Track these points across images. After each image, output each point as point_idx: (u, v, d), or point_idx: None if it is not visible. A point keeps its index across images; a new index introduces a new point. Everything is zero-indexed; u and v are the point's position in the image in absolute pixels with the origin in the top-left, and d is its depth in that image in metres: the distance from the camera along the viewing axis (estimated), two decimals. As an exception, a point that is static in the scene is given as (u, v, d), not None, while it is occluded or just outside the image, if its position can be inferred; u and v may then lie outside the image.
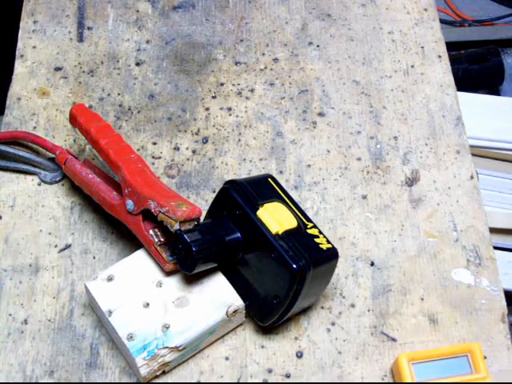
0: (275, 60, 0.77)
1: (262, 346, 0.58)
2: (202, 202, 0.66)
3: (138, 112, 0.72)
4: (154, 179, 0.59)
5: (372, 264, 0.63)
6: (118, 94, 0.74)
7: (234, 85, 0.75)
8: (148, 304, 0.56)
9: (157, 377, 0.56)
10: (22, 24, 0.78)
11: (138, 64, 0.76)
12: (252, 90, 0.74)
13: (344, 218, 0.66)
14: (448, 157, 0.70)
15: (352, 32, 0.79)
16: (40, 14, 0.79)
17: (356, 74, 0.76)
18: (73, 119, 0.65)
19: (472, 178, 0.69)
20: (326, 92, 0.74)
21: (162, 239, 0.57)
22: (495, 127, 1.29)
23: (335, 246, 0.60)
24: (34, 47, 0.77)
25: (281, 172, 0.68)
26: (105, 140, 0.62)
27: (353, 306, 0.60)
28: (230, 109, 0.73)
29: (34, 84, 0.74)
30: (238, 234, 0.56)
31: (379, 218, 0.66)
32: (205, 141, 0.70)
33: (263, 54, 0.77)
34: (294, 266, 0.53)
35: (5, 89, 0.74)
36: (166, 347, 0.53)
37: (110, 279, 0.57)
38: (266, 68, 0.76)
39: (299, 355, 0.58)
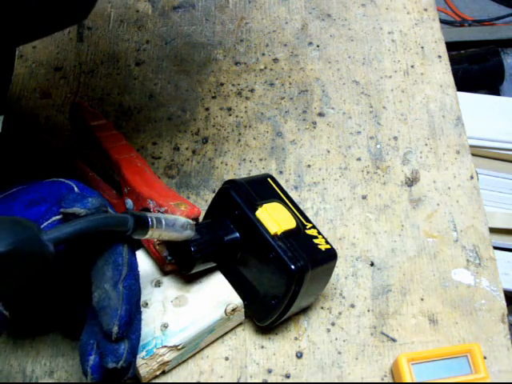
0: (275, 60, 0.77)
1: (262, 347, 0.58)
2: (202, 202, 0.66)
3: (138, 112, 0.73)
4: (153, 178, 0.59)
5: (372, 264, 0.63)
6: (118, 94, 0.74)
7: (233, 85, 0.75)
8: (147, 303, 0.56)
9: (157, 377, 0.56)
10: (22, 24, 0.78)
11: (137, 64, 0.76)
12: (252, 90, 0.74)
13: (344, 219, 0.65)
14: (448, 157, 0.70)
15: (352, 32, 0.79)
16: (40, 14, 0.79)
17: (356, 74, 0.76)
18: (72, 116, 0.65)
19: (472, 178, 0.69)
20: (326, 92, 0.74)
21: (161, 239, 0.57)
22: (495, 127, 1.30)
23: (335, 246, 0.60)
24: (34, 47, 0.77)
25: (281, 172, 0.68)
26: (105, 138, 0.62)
27: (352, 306, 0.60)
28: (229, 109, 0.73)
29: (34, 84, 0.74)
30: (237, 234, 0.56)
31: (379, 218, 0.66)
32: (205, 141, 0.70)
33: (263, 54, 0.77)
34: (292, 267, 0.52)
35: (5, 89, 0.74)
36: (165, 346, 0.53)
37: (109, 279, 0.57)
38: (265, 68, 0.76)
39: (299, 355, 0.58)
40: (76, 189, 0.52)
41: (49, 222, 0.49)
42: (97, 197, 0.48)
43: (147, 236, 0.48)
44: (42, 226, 0.49)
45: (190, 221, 0.53)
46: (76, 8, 0.49)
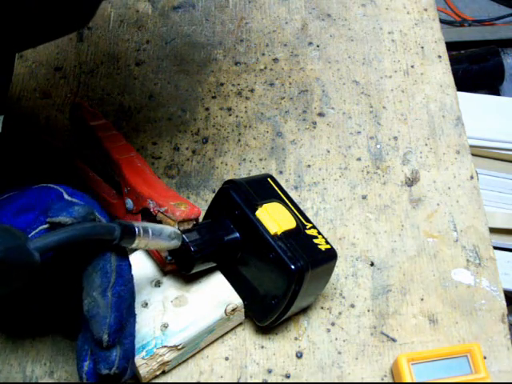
0: (275, 60, 0.77)
1: (262, 347, 0.58)
2: (202, 202, 0.66)
3: (138, 112, 0.73)
4: (153, 178, 0.59)
5: (372, 264, 0.63)
6: (118, 94, 0.74)
7: (233, 85, 0.75)
8: (147, 304, 0.56)
9: (157, 377, 0.56)
10: (21, 24, 0.78)
11: (137, 64, 0.76)
12: (252, 90, 0.74)
13: (344, 219, 0.65)
14: (448, 157, 0.70)
15: (352, 32, 0.79)
16: (40, 14, 0.79)
17: (356, 74, 0.76)
18: (72, 116, 0.65)
19: (472, 178, 0.69)
20: (326, 92, 0.74)
21: (162, 239, 0.57)
22: (495, 127, 1.30)
23: (335, 246, 0.60)
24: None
25: (281, 172, 0.68)
26: (105, 138, 0.62)
27: (352, 306, 0.60)
28: (229, 109, 0.73)
29: (34, 84, 0.74)
30: (237, 234, 0.56)
31: (379, 218, 0.66)
32: (205, 141, 0.70)
33: (263, 54, 0.77)
34: (292, 267, 0.52)
35: (5, 89, 0.74)
36: (165, 346, 0.53)
37: (109, 279, 0.57)
38: (265, 68, 0.76)
39: (299, 355, 0.58)
40: (65, 194, 0.52)
41: (36, 231, 0.49)
42: (83, 205, 0.47)
43: (134, 245, 0.48)
44: (30, 236, 0.48)
45: (177, 230, 0.53)
46: (77, 15, 0.49)
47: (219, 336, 0.58)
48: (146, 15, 0.80)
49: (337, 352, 0.58)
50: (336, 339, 0.59)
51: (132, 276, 0.50)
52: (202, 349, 0.57)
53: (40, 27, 0.47)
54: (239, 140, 0.71)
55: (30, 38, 0.48)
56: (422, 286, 0.62)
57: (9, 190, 0.54)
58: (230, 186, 0.57)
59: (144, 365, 0.53)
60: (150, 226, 0.50)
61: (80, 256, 0.48)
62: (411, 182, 0.68)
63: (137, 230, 0.48)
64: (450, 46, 0.84)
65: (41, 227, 0.49)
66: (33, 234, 0.49)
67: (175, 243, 0.52)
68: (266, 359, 0.57)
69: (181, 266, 0.56)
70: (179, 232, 0.53)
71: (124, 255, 0.49)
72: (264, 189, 0.59)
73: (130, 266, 0.50)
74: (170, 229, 0.52)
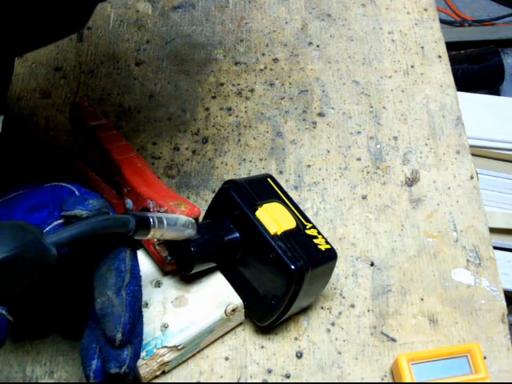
0: (275, 60, 0.77)
1: (262, 347, 0.58)
2: (202, 202, 0.66)
3: (138, 112, 0.73)
4: (153, 178, 0.59)
5: (372, 264, 0.63)
6: (118, 94, 0.74)
7: (233, 85, 0.75)
8: (147, 304, 0.56)
9: (157, 377, 0.56)
10: (21, 24, 0.78)
11: (137, 64, 0.76)
12: (252, 90, 0.74)
13: (344, 219, 0.65)
14: (448, 157, 0.70)
15: (352, 32, 0.79)
16: (40, 14, 0.79)
17: (356, 74, 0.76)
18: (72, 116, 0.65)
19: (472, 178, 0.69)
20: (326, 92, 0.74)
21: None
22: (495, 127, 1.30)
23: (335, 246, 0.60)
24: (34, 47, 0.77)
25: (281, 172, 0.68)
26: (105, 138, 0.62)
27: (352, 306, 0.60)
28: (229, 109, 0.73)
29: (34, 84, 0.74)
30: (237, 235, 0.56)
31: (379, 218, 0.66)
32: (205, 141, 0.70)
33: (263, 54, 0.77)
34: (292, 267, 0.52)
35: (5, 89, 0.74)
36: (165, 347, 0.53)
37: (109, 279, 0.57)
38: (265, 68, 0.76)
39: (299, 355, 0.58)
40: (77, 193, 0.52)
41: (50, 226, 0.49)
42: (98, 198, 0.47)
43: (149, 236, 0.48)
44: (44, 231, 0.48)
45: (192, 219, 0.52)
46: (73, 19, 0.49)
47: (219, 336, 0.58)
48: (145, 15, 0.80)
49: (337, 352, 0.58)
50: (336, 339, 0.59)
51: (141, 276, 0.49)
52: (202, 349, 0.57)
53: (38, 30, 0.47)
54: (239, 140, 0.71)
55: (28, 41, 0.48)
56: (422, 286, 0.62)
57: (16, 188, 0.54)
58: (230, 185, 0.57)
59: (144, 365, 0.53)
60: (165, 215, 0.50)
61: (93, 250, 0.47)
62: (411, 182, 0.68)
63: (151, 220, 0.48)
64: (450, 46, 0.84)
65: (55, 222, 0.49)
66: (47, 229, 0.49)
67: (190, 232, 0.52)
68: (265, 359, 0.57)
69: (181, 266, 0.56)
70: (194, 221, 0.53)
71: (135, 255, 0.49)
72: (264, 189, 0.59)
73: (139, 265, 0.50)
74: (184, 218, 0.51)
